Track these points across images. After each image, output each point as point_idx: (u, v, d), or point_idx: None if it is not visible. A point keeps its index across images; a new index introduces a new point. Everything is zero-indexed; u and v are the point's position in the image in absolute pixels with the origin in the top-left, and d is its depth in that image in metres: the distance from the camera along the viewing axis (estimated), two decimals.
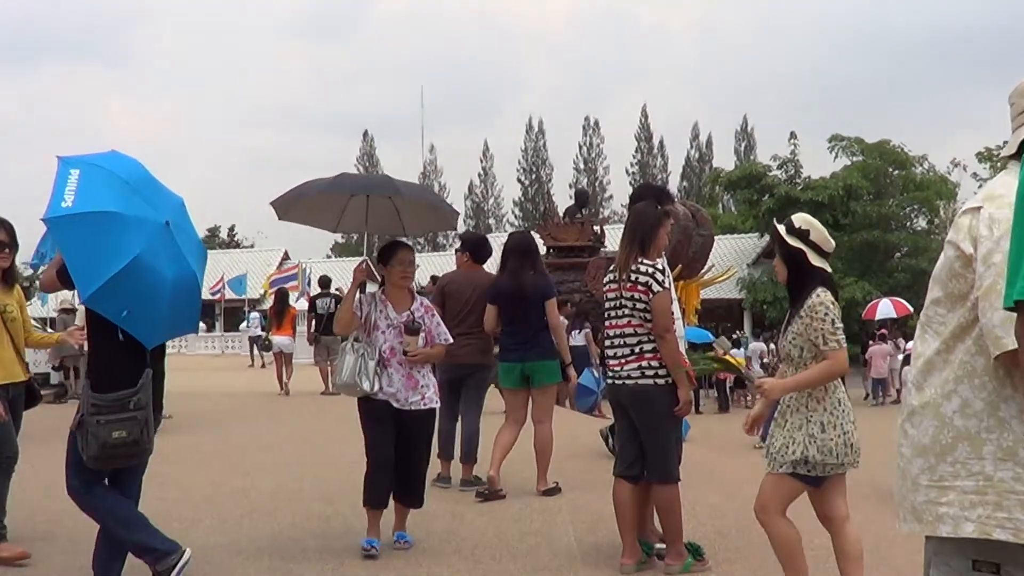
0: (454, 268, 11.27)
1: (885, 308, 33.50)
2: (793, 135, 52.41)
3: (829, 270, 6.08)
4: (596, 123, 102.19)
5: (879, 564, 7.34)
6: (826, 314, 5.84)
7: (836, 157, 51.50)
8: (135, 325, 6.08)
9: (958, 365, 3.12)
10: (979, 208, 3.10)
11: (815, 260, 6.00)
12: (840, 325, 5.90)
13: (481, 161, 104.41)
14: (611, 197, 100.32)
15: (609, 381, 7.37)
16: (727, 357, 6.03)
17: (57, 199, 5.83)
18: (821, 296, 5.89)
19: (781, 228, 6.08)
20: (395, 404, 7.73)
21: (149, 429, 6.23)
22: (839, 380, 5.98)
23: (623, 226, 7.40)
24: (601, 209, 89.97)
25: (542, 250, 14.26)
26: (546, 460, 9.95)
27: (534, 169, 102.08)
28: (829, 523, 6.15)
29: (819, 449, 5.80)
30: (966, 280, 3.11)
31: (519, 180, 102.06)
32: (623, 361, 7.19)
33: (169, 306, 6.23)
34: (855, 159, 50.91)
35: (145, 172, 6.39)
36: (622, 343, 7.21)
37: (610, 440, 11.56)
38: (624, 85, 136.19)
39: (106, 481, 6.43)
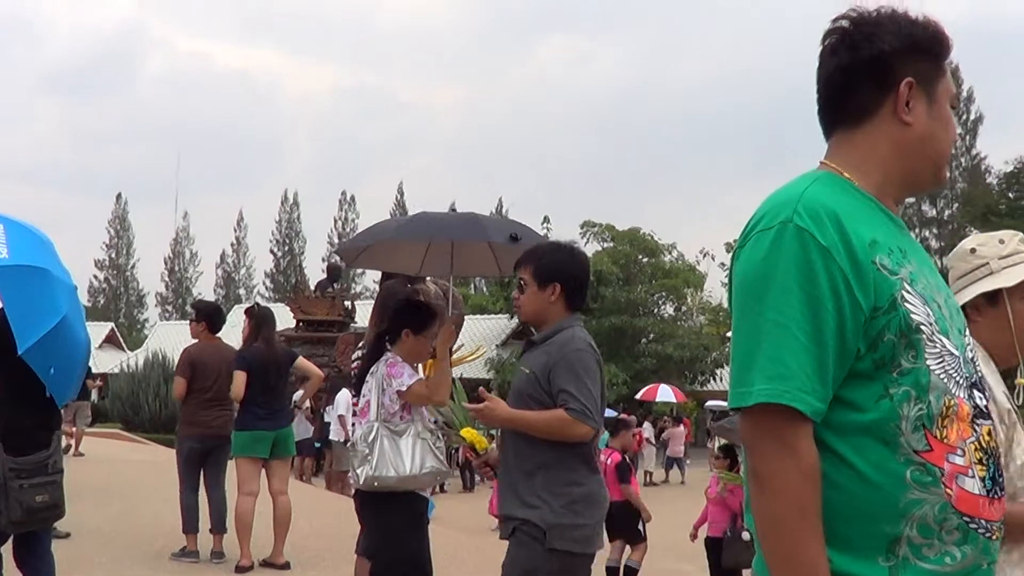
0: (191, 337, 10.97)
1: (665, 392, 34.79)
2: (547, 219, 53.70)
3: None
4: (352, 198, 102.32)
5: None
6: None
7: (588, 242, 52.91)
8: (56, 383, 6.03)
9: None
10: None
11: None
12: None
13: (235, 230, 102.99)
14: (363, 273, 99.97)
15: None
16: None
17: None
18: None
19: None
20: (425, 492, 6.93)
21: (63, 491, 6.17)
22: None
23: (373, 302, 7.40)
24: (353, 284, 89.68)
25: (291, 323, 14.18)
26: (285, 533, 9.85)
27: (287, 241, 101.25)
28: None
29: None
30: None
31: (272, 251, 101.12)
32: None
33: (80, 367, 6.42)
34: (606, 245, 52.43)
35: (45, 235, 6.44)
36: None
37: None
38: (383, 161, 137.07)
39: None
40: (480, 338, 48.76)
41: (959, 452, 2.23)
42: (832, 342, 2.17)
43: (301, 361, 10.06)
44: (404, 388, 6.34)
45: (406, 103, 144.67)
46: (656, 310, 54.42)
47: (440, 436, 6.57)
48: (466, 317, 12.04)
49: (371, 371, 6.55)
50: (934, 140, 2.42)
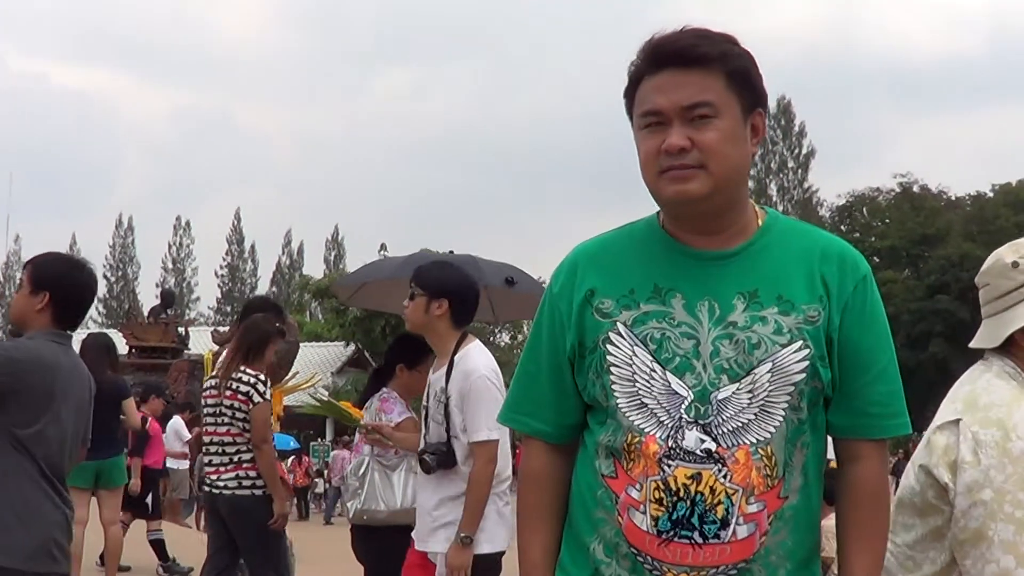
0: None
1: None
2: (384, 247, 53.68)
3: None
4: (188, 223, 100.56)
5: None
6: None
7: None
8: None
9: None
10: (957, 422, 2.60)
11: None
12: None
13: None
14: (198, 299, 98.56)
15: (206, 489, 7.22)
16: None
17: None
18: None
19: None
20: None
21: None
22: None
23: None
24: (187, 310, 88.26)
25: (124, 349, 13.96)
26: (116, 564, 9.73)
27: (121, 266, 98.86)
28: None
29: None
30: (943, 514, 2.57)
31: (105, 276, 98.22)
32: (220, 470, 7.05)
33: None
34: None
35: None
36: (220, 451, 7.08)
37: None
38: (219, 187, 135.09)
39: None
40: (315, 366, 48.32)
41: (637, 487, 2.32)
42: (547, 376, 2.54)
43: (128, 403, 9.85)
44: (392, 425, 6.25)
45: (244, 129, 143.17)
46: (492, 339, 54.79)
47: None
48: (301, 344, 12.08)
49: (365, 406, 6.53)
50: (641, 162, 2.37)
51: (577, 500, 2.47)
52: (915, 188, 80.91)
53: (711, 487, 2.29)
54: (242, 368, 7.03)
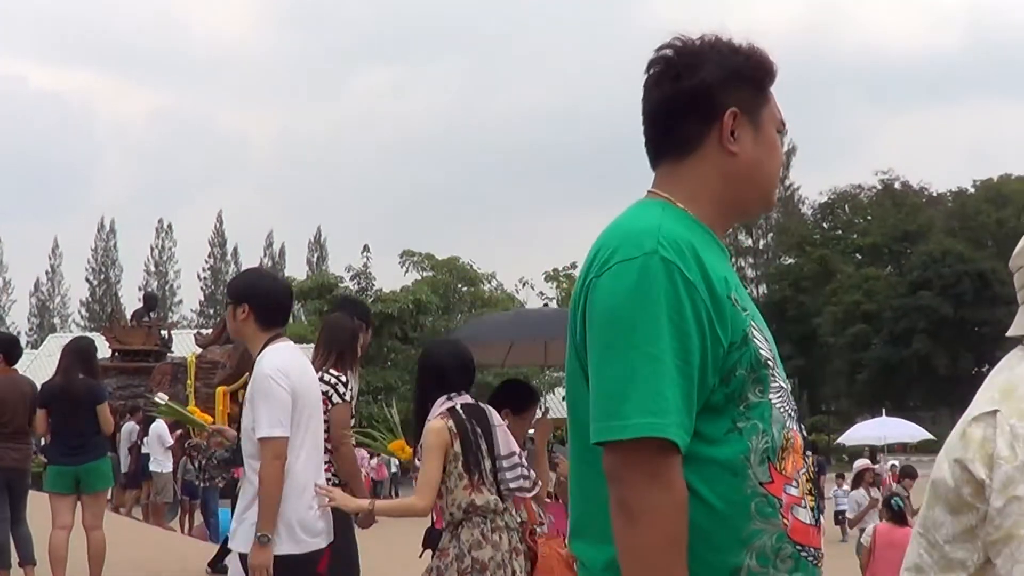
0: None
1: None
2: (366, 248, 53.59)
3: None
4: (170, 226, 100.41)
5: None
6: None
7: (407, 271, 53.00)
8: None
9: None
10: (994, 413, 2.40)
11: None
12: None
13: (50, 258, 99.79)
14: (181, 302, 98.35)
15: None
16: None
17: None
18: None
19: None
20: None
21: None
22: None
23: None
24: (170, 313, 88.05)
25: (108, 353, 13.91)
26: (100, 569, 9.68)
27: (103, 269, 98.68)
28: None
29: None
30: (977, 512, 2.36)
31: (87, 279, 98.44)
32: None
33: None
34: (425, 274, 52.57)
35: None
36: None
37: None
38: (201, 189, 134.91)
39: None
40: None
41: (794, 483, 2.28)
42: (697, 376, 2.18)
43: (102, 407, 9.78)
44: None
45: (225, 130, 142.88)
46: None
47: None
48: None
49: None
50: (761, 167, 2.43)
51: (707, 526, 2.21)
52: (896, 185, 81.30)
53: (814, 472, 2.42)
54: (326, 368, 6.95)
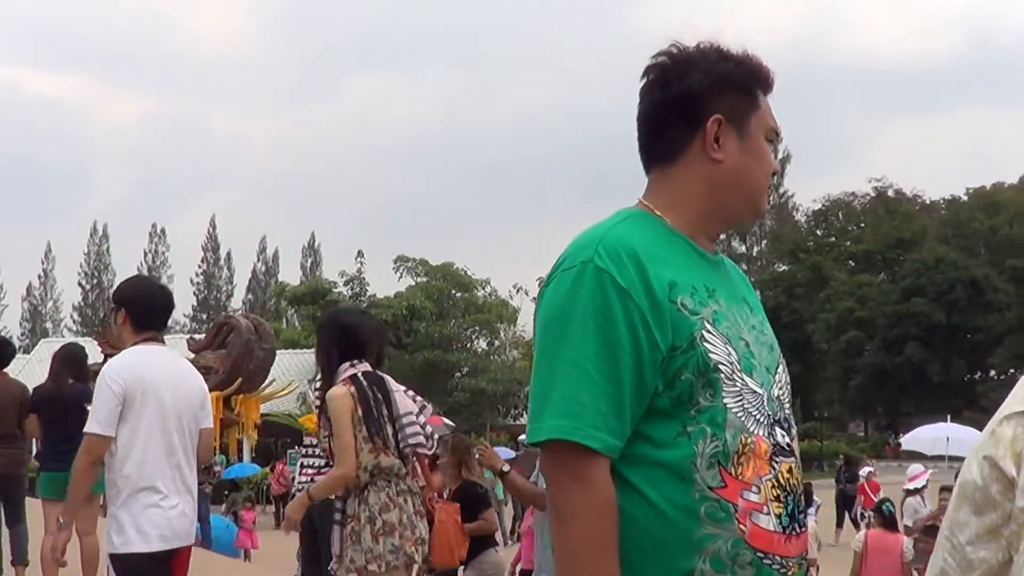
0: None
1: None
2: (360, 253, 53.62)
3: None
4: (163, 231, 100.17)
5: None
6: None
7: (401, 277, 53.04)
8: None
9: None
10: None
11: None
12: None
13: (42, 262, 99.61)
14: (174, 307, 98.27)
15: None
16: None
17: None
18: None
19: None
20: None
21: None
22: None
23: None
24: None
25: (100, 358, 13.85)
26: (93, 573, 9.66)
27: (96, 274, 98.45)
28: None
29: None
30: (1001, 511, 2.28)
31: (80, 284, 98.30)
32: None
33: None
34: (420, 280, 52.59)
35: None
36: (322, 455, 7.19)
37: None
38: (194, 193, 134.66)
39: None
40: (292, 373, 48.19)
41: (754, 489, 2.27)
42: (629, 380, 2.20)
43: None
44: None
45: (219, 135, 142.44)
46: (469, 345, 54.70)
47: None
48: (277, 352, 12.07)
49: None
50: (747, 175, 2.42)
51: (655, 529, 2.23)
52: (890, 192, 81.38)
53: (797, 478, 2.39)
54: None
